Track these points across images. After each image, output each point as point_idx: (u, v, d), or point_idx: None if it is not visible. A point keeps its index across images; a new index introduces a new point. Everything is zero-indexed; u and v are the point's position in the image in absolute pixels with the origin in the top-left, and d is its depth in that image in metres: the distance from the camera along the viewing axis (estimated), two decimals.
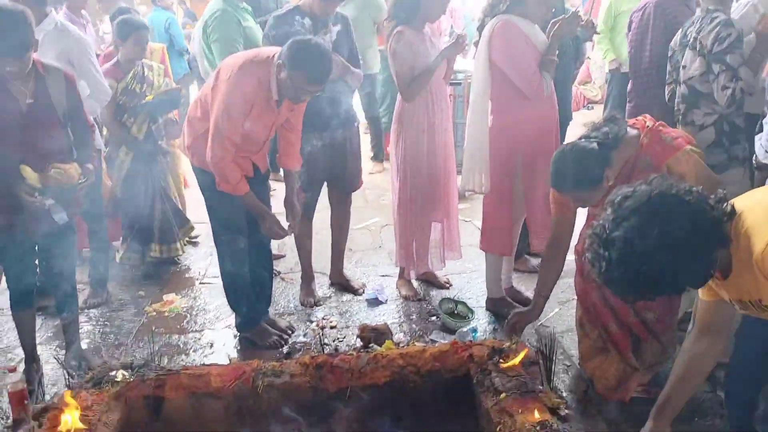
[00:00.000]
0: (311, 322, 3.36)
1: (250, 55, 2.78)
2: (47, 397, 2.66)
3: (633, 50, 3.51)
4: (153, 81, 3.79)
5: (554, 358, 2.62)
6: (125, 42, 3.65)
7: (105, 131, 3.82)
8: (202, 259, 4.23)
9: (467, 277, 3.84)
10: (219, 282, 3.80)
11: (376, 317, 3.40)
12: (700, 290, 1.83)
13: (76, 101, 2.73)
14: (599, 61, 6.19)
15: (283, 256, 4.14)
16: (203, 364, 2.82)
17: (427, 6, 3.13)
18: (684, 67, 2.87)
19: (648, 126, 2.31)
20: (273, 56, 2.67)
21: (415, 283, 3.71)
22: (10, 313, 2.84)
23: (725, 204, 1.59)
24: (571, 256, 2.69)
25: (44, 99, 2.59)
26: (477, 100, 3.08)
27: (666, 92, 3.10)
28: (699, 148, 2.35)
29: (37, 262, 2.82)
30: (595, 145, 2.27)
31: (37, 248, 2.76)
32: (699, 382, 1.96)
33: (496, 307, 3.40)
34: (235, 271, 3.05)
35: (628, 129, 2.35)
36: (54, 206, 2.55)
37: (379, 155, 6.01)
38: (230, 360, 2.95)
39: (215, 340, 3.25)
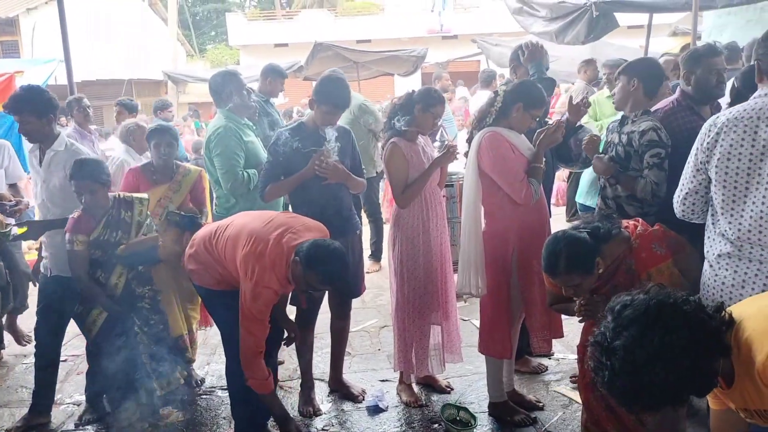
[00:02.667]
0: None
1: (271, 241, 2.76)
2: None
3: None
4: (132, 222, 3.33)
5: None
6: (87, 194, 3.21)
7: None
8: (199, 369, 4.16)
9: (468, 380, 3.79)
10: (217, 393, 3.79)
11: (377, 426, 3.33)
12: (709, 400, 1.82)
13: None
14: None
15: (281, 363, 4.09)
16: None
17: (420, 120, 3.30)
18: None
19: (639, 232, 2.37)
20: (292, 249, 2.74)
21: (415, 388, 3.66)
22: None
23: (723, 313, 1.60)
24: (573, 355, 2.67)
25: None
26: (469, 207, 3.16)
27: None
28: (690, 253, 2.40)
29: None
30: (585, 234, 2.33)
31: None
32: None
33: (499, 412, 3.33)
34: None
35: (621, 230, 2.41)
36: None
37: (377, 254, 6.07)
38: None
39: None
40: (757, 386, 1.54)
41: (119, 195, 3.39)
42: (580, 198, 4.46)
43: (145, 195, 3.49)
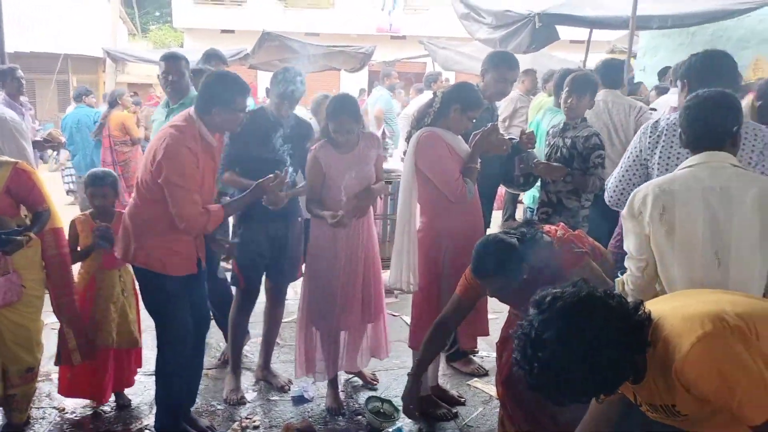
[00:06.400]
0: (233, 421, 3.27)
1: (171, 122, 2.88)
2: None
3: None
4: None
5: None
6: None
7: None
8: None
9: (395, 373, 3.85)
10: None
11: (302, 416, 3.35)
12: None
13: None
14: None
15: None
16: None
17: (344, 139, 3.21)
18: None
19: (559, 235, 2.48)
20: (188, 115, 2.82)
21: (342, 379, 3.67)
22: None
23: (642, 310, 1.66)
24: (493, 353, 2.77)
25: None
26: (404, 203, 3.21)
27: None
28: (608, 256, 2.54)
29: None
30: (515, 240, 2.42)
31: None
32: None
33: (422, 406, 3.40)
34: (175, 369, 2.98)
35: (544, 235, 2.51)
36: None
37: None
38: None
39: None
40: (669, 383, 1.61)
41: None
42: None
43: None
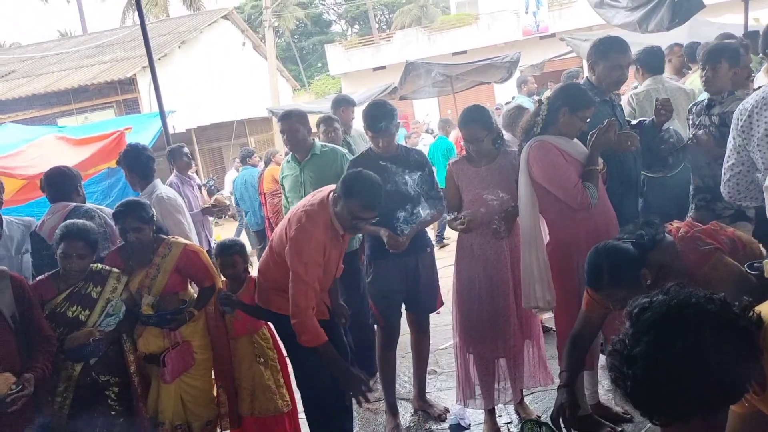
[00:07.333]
0: None
1: (308, 202, 2.98)
2: None
3: None
4: (98, 299, 2.97)
5: None
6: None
7: None
8: None
9: (554, 393, 3.67)
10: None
11: None
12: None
13: (27, 306, 2.71)
14: None
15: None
16: None
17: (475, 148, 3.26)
18: None
19: (681, 234, 2.24)
20: (327, 196, 2.91)
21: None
22: None
23: (752, 312, 1.47)
24: None
25: None
26: (526, 218, 3.08)
27: None
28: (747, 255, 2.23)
29: None
30: (629, 244, 2.24)
31: None
32: None
33: (583, 426, 3.20)
34: (324, 412, 3.10)
35: (666, 235, 2.29)
36: None
37: None
38: None
39: None
40: None
41: (95, 267, 3.06)
42: None
43: (123, 274, 3.14)
